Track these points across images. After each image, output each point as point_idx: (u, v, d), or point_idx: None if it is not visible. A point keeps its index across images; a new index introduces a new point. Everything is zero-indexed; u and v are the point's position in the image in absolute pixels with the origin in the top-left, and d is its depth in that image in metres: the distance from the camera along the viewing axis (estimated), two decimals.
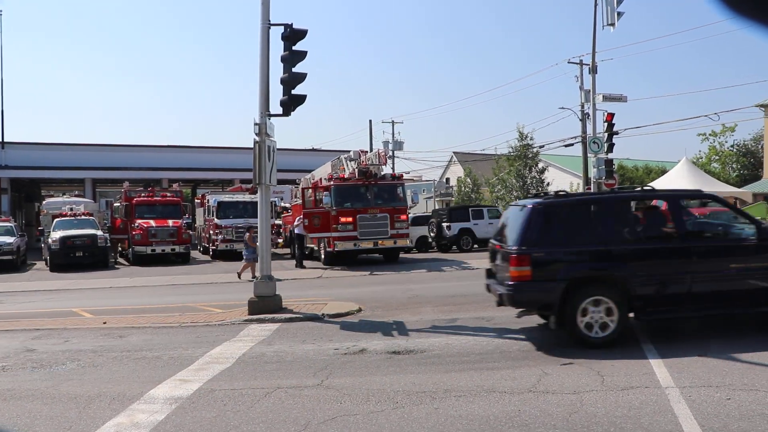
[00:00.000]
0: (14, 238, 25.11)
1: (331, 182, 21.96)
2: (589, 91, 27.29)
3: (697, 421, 5.11)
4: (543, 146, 37.61)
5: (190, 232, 29.29)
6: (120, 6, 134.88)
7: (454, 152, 62.25)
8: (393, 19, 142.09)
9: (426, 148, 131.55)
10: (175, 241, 25.96)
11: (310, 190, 23.16)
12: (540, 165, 36.69)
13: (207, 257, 28.62)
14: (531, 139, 36.19)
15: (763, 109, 35.06)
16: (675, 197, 9.21)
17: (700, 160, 51.96)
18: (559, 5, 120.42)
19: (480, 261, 21.97)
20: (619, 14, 21.97)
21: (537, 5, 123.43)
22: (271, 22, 11.98)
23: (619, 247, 8.27)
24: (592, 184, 25.76)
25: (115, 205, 29.51)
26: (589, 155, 27.43)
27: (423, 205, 46.79)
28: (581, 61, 29.05)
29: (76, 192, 36.06)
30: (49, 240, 24.49)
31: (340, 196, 21.68)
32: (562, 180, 43.63)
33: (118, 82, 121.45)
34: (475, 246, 27.95)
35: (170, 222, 26.25)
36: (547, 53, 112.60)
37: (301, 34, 11.97)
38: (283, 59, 11.99)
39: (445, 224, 27.77)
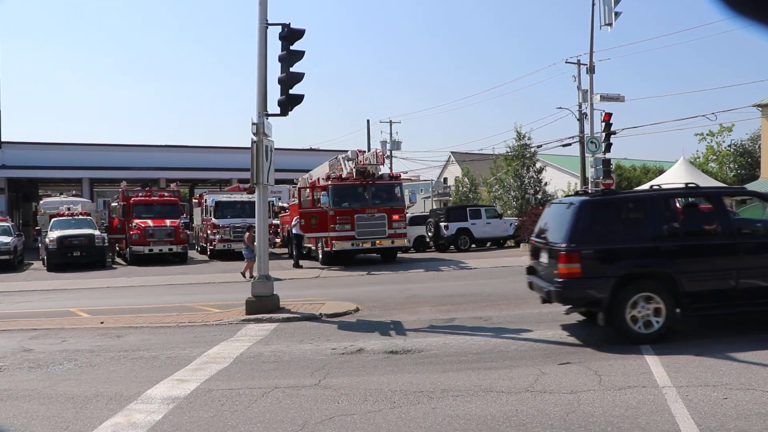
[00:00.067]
0: (11, 237, 25.07)
1: (329, 182, 21.96)
2: (587, 90, 27.27)
3: (694, 420, 5.11)
4: (541, 146, 37.54)
5: (188, 232, 29.29)
6: (120, 6, 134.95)
7: (451, 152, 62.17)
8: (390, 19, 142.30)
9: (424, 148, 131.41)
10: (173, 240, 25.92)
11: (308, 190, 23.16)
12: (538, 165, 36.56)
13: (205, 257, 28.60)
14: (529, 138, 36.07)
15: (760, 108, 35.02)
16: (718, 194, 9.35)
17: (698, 159, 51.97)
18: (557, 5, 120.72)
19: (478, 261, 22.00)
20: (617, 14, 21.95)
21: (534, 5, 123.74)
22: (269, 22, 11.99)
23: (667, 243, 8.29)
24: (589, 184, 25.75)
25: (112, 204, 29.46)
26: (586, 155, 27.43)
27: (421, 204, 46.81)
28: (579, 61, 29.07)
29: (74, 192, 35.98)
30: (47, 240, 24.42)
31: (337, 195, 21.67)
32: (559, 180, 43.60)
33: (117, 82, 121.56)
34: (473, 246, 28.02)
35: (168, 222, 26.20)
36: (544, 53, 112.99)
37: (298, 33, 11.98)
38: (281, 59, 11.99)
39: (442, 224, 27.79)
